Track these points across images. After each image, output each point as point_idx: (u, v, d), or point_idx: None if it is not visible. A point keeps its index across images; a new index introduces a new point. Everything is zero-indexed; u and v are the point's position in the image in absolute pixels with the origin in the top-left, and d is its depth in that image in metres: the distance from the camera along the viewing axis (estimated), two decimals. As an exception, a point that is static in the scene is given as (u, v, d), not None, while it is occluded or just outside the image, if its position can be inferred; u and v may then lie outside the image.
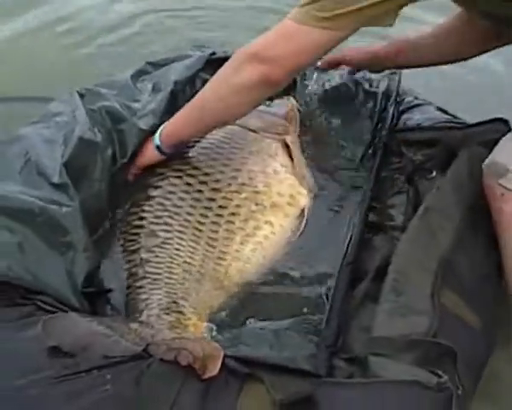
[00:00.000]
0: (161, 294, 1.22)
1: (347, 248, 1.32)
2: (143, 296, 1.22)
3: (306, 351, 1.14)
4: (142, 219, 1.36)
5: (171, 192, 1.39)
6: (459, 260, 1.27)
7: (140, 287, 1.24)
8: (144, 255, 1.29)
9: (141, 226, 1.35)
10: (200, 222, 1.34)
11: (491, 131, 1.46)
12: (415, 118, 1.67)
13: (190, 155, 1.46)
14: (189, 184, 1.40)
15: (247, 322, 1.23)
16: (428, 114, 1.68)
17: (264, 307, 1.27)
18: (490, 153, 1.35)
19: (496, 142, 1.37)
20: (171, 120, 1.42)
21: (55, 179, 1.29)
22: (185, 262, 1.28)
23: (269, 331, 1.20)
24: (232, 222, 1.36)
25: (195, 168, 1.43)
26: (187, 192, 1.38)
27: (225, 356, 1.04)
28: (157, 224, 1.34)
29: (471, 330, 1.22)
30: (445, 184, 1.36)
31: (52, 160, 1.33)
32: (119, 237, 1.35)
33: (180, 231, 1.32)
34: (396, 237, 1.35)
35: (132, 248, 1.31)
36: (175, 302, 1.21)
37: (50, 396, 0.98)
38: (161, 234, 1.32)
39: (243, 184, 1.41)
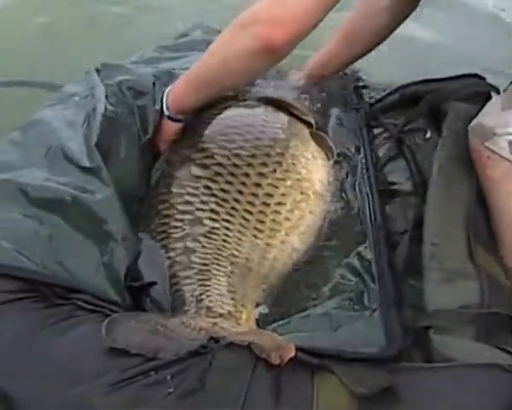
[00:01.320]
0: (210, 285, 1.12)
1: (370, 216, 1.27)
2: (191, 287, 1.12)
3: (369, 330, 1.07)
4: (187, 203, 1.24)
5: (218, 174, 1.27)
6: (479, 215, 1.22)
7: (186, 277, 1.13)
8: (190, 244, 1.18)
9: (186, 212, 1.23)
10: (247, 211, 1.23)
11: (471, 85, 1.41)
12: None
13: (235, 131, 1.34)
14: (236, 165, 1.27)
15: (292, 310, 1.14)
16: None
17: (305, 290, 1.19)
18: (475, 108, 1.30)
19: (477, 96, 1.35)
20: (175, 86, 1.34)
21: (86, 163, 1.17)
22: (232, 255, 1.18)
23: (319, 315, 1.12)
24: (279, 212, 1.25)
25: (241, 148, 1.30)
26: (234, 175, 1.26)
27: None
28: (203, 211, 1.22)
29: (507, 293, 1.14)
30: (448, 142, 1.30)
31: (77, 143, 1.20)
32: (157, 221, 1.24)
33: (227, 221, 1.21)
34: (411, 202, 1.30)
35: (177, 235, 1.20)
36: (223, 295, 1.11)
37: (110, 404, 0.88)
38: (208, 222, 1.21)
39: (287, 171, 1.30)
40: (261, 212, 1.24)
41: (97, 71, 1.40)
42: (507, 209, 1.19)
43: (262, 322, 1.13)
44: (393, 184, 1.37)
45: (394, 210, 1.31)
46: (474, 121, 1.26)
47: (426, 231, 1.18)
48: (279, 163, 1.30)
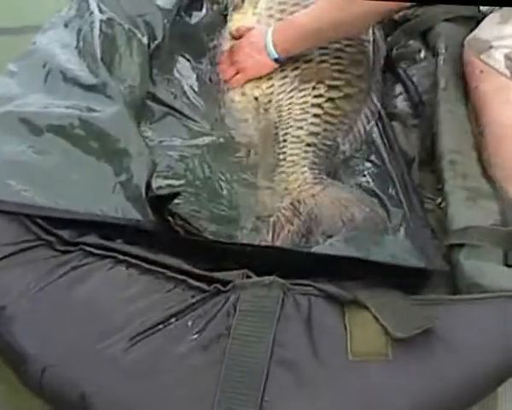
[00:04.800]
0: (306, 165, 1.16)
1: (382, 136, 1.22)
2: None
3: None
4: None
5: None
6: None
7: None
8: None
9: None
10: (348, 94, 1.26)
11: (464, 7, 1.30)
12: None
13: None
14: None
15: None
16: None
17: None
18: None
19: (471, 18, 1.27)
20: (283, 30, 1.28)
21: (89, 80, 1.10)
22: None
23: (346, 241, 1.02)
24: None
25: None
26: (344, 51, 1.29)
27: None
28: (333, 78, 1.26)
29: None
30: (449, 58, 1.23)
31: (75, 62, 1.13)
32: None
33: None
34: (411, 123, 1.23)
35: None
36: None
37: (132, 359, 0.82)
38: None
39: None
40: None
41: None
42: (498, 122, 1.12)
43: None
44: (391, 107, 1.28)
45: (398, 129, 1.24)
46: (471, 35, 1.22)
47: (442, 147, 1.12)
48: None
